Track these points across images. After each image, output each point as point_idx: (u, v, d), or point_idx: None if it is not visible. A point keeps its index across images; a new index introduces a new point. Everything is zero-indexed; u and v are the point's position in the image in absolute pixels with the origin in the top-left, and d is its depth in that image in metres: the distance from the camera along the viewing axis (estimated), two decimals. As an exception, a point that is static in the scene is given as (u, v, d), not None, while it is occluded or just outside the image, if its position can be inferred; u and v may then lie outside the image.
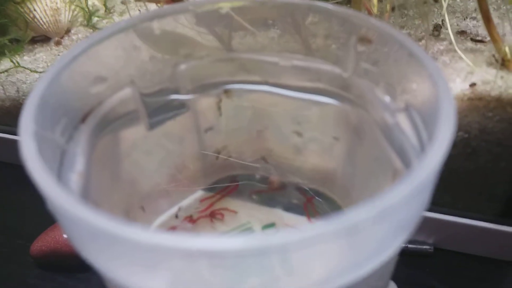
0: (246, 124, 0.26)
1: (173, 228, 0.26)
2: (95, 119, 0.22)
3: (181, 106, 0.25)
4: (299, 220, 0.26)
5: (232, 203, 0.27)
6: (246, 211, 0.27)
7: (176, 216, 0.26)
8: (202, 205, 0.27)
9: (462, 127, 0.30)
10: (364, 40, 0.22)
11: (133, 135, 0.24)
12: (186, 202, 0.27)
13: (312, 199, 0.27)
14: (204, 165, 0.27)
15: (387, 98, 0.22)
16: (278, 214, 0.27)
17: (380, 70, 0.22)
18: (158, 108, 0.25)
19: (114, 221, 0.13)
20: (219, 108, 0.26)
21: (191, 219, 0.26)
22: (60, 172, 0.19)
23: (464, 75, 0.30)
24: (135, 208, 0.25)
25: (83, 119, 0.22)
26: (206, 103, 0.26)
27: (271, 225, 0.27)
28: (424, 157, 0.15)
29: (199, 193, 0.27)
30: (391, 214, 0.14)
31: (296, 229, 0.12)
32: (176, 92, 0.25)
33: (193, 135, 0.26)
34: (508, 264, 0.36)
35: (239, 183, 0.27)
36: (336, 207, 0.26)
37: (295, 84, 0.25)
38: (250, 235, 0.12)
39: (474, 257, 0.36)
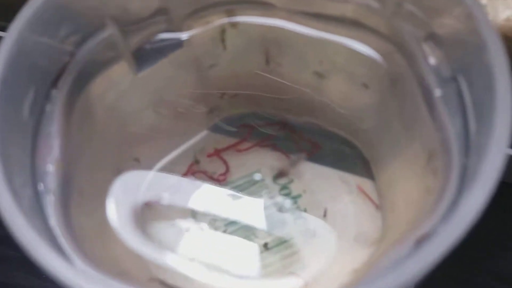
0: (256, 59, 0.22)
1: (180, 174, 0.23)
2: (70, 77, 0.18)
3: (175, 41, 0.21)
4: (310, 167, 0.24)
5: (241, 147, 0.24)
6: (257, 156, 0.24)
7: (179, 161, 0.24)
8: (207, 149, 0.24)
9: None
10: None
11: (120, 84, 0.20)
12: (186, 145, 0.24)
13: (321, 147, 0.24)
14: (208, 104, 0.23)
15: (432, 60, 0.17)
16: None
17: (428, 21, 0.17)
18: (145, 47, 0.20)
19: None
20: (223, 40, 0.21)
21: (195, 165, 0.24)
22: (33, 168, 0.16)
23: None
24: (127, 163, 0.22)
25: (55, 81, 0.18)
26: (205, 35, 0.21)
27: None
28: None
29: (203, 135, 0.24)
30: None
31: None
32: (167, 24, 0.20)
33: (194, 72, 0.22)
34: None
35: (248, 126, 0.24)
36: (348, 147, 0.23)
37: (318, 22, 0.20)
38: None
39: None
